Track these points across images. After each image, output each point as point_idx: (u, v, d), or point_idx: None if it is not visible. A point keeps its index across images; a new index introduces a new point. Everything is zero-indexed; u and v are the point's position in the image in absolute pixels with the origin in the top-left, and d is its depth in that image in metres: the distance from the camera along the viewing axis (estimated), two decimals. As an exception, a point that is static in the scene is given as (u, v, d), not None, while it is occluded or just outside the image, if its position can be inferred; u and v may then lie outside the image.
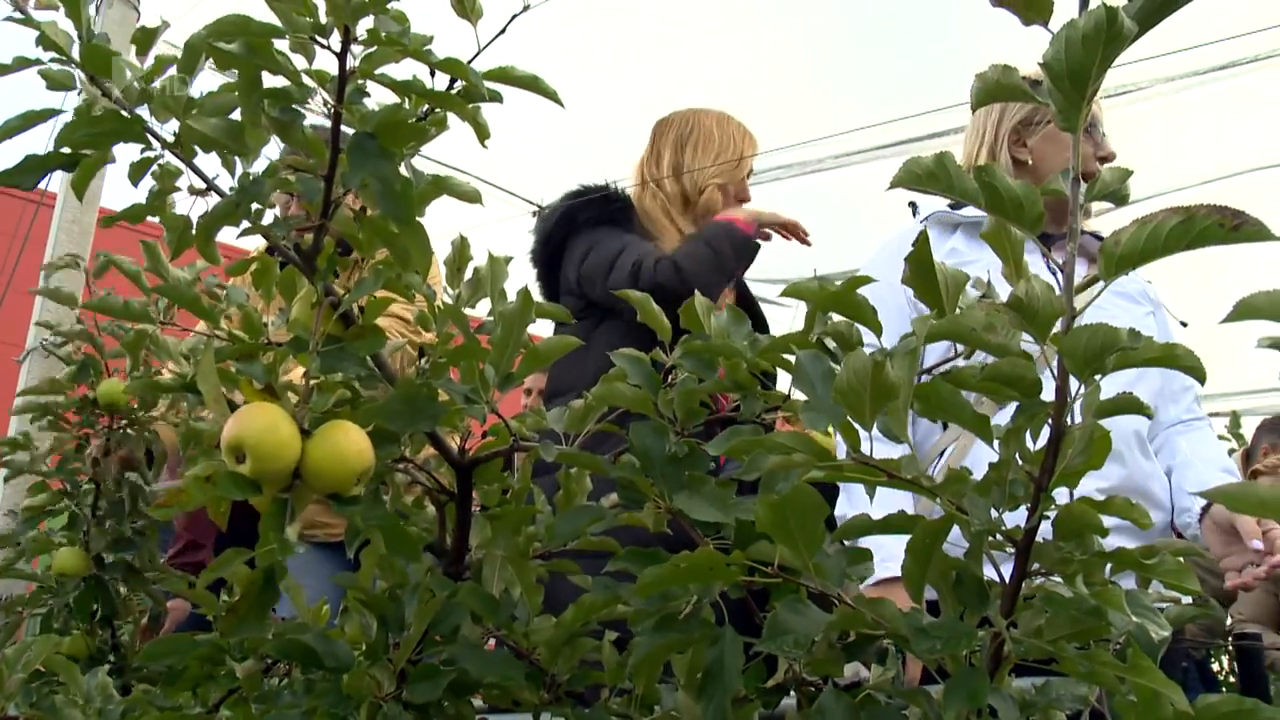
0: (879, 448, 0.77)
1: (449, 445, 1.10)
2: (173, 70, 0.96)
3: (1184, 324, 2.19)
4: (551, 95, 1.02)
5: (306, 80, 0.90)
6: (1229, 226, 0.71)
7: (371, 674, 0.98)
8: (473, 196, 1.04)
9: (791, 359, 0.97)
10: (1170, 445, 2.10)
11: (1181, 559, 0.80)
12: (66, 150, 0.93)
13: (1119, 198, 0.82)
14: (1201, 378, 0.81)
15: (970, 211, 2.10)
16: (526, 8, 0.98)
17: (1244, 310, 0.65)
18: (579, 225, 2.47)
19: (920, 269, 0.85)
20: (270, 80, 0.89)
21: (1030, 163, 2.15)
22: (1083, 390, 0.75)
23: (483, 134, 1.02)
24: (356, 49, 0.88)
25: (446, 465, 1.15)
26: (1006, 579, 0.82)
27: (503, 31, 0.98)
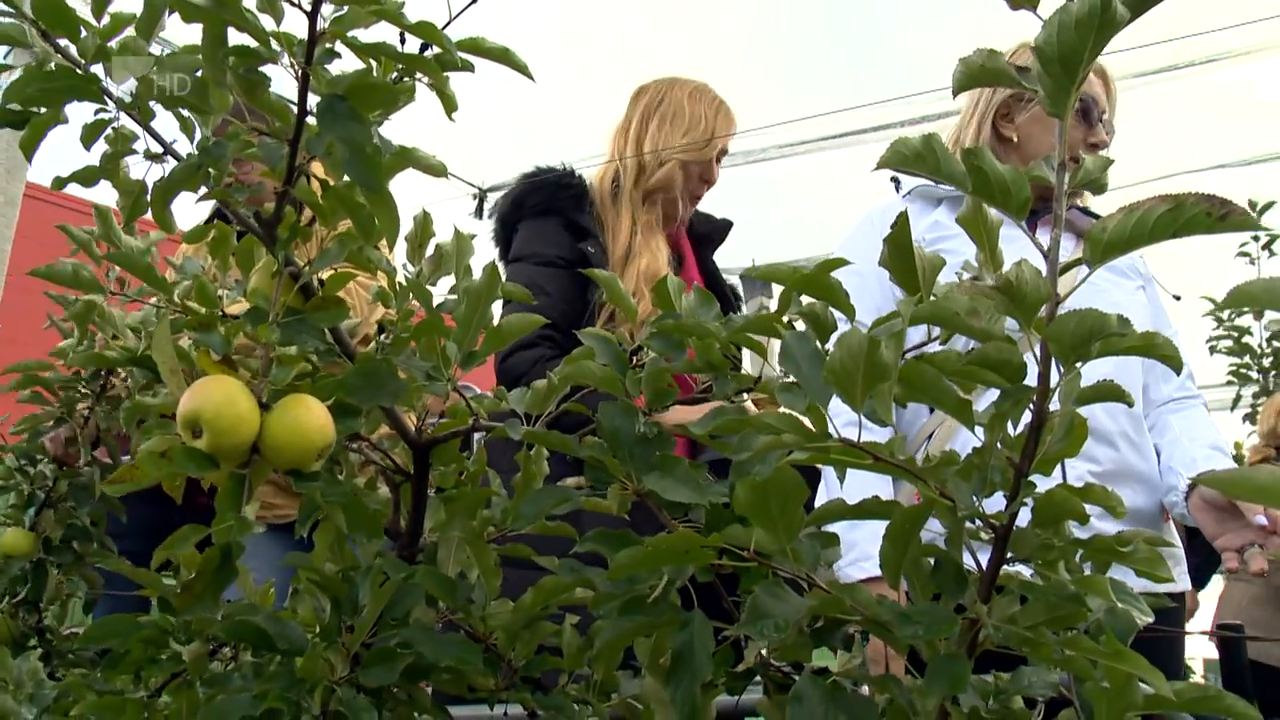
0: (853, 430, 0.75)
1: (406, 424, 1.06)
2: (130, 30, 0.91)
3: (1177, 297, 2.16)
4: (522, 68, 0.98)
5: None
6: (1216, 215, 0.70)
7: (326, 657, 0.94)
8: (439, 170, 1.00)
9: (762, 340, 0.95)
10: (1162, 423, 2.05)
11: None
12: (16, 108, 0.88)
13: (1098, 186, 0.81)
14: (1178, 367, 0.80)
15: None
16: None
17: (1239, 298, 0.64)
18: (524, 211, 2.40)
19: (898, 251, 0.83)
20: (235, 38, 0.85)
21: (1016, 140, 2.11)
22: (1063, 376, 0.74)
23: (450, 106, 0.98)
24: (326, 9, 0.83)
25: (402, 445, 1.11)
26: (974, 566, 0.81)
27: (474, 1, 0.94)
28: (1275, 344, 5.59)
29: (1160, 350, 0.76)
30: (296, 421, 0.87)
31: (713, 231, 2.59)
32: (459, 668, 0.99)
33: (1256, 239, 5.60)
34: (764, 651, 0.89)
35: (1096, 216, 1.95)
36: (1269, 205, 5.28)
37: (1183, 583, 1.94)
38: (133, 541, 2.21)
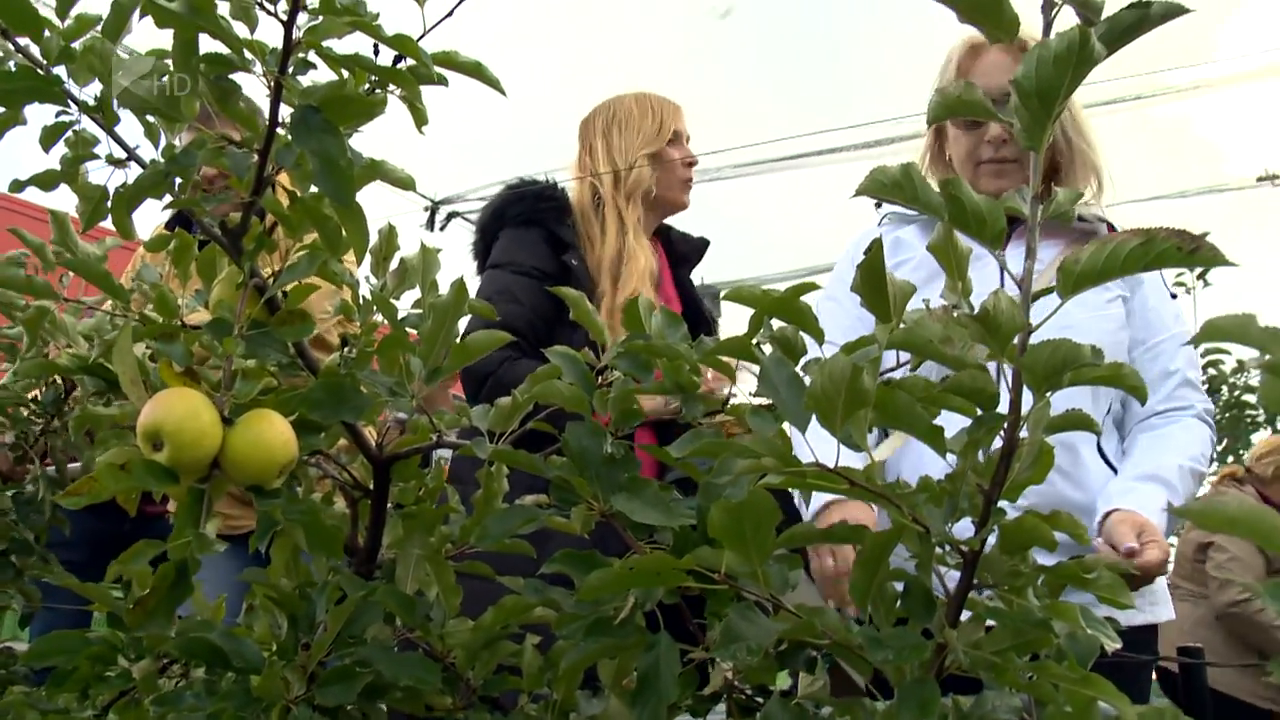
0: (824, 453, 0.75)
1: (367, 439, 1.04)
2: (96, 31, 0.89)
3: (1174, 295, 2.04)
4: (494, 83, 0.98)
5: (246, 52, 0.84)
6: (1186, 249, 0.72)
7: (282, 675, 0.91)
8: (407, 183, 0.99)
9: (730, 362, 0.94)
10: (1131, 441, 1.89)
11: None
12: None
13: (1066, 217, 0.82)
14: (1142, 398, 0.81)
15: None
16: None
17: (1210, 333, 0.64)
18: (506, 221, 2.41)
19: (871, 277, 0.83)
20: (206, 44, 0.83)
21: (948, 156, 2.06)
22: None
23: (421, 119, 0.97)
24: (301, 19, 0.82)
25: (362, 459, 1.09)
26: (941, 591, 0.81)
27: (450, 14, 0.93)
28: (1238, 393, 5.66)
29: (1126, 381, 0.77)
30: (260, 437, 0.85)
31: (690, 251, 2.60)
32: (417, 687, 0.97)
33: (1192, 270, 5.73)
34: (729, 675, 0.89)
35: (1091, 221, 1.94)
36: (1204, 235, 5.39)
37: (1153, 615, 1.84)
38: (78, 552, 2.14)
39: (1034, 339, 1.86)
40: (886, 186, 0.76)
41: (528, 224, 2.37)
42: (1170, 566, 1.73)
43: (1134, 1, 0.76)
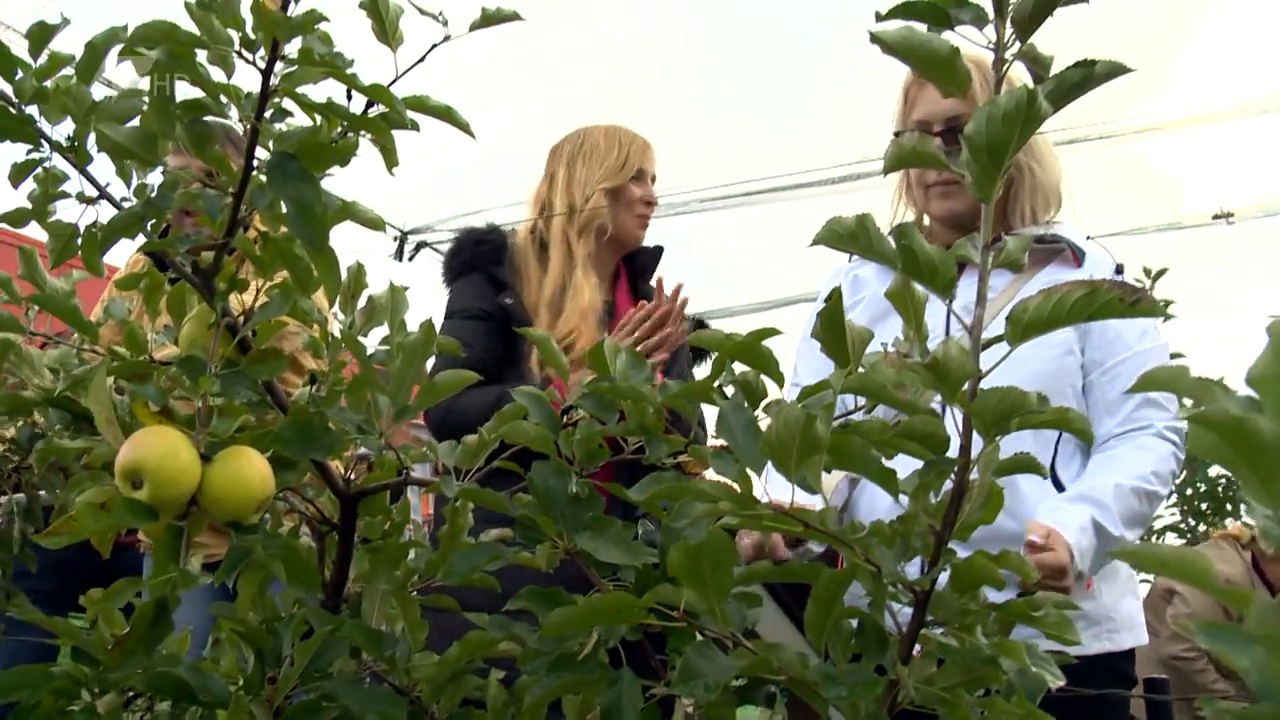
0: (780, 494, 0.77)
1: (334, 475, 1.05)
2: (69, 69, 0.90)
3: (1168, 316, 1.98)
4: (464, 126, 1.00)
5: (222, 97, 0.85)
6: (1128, 301, 0.74)
7: (249, 709, 0.92)
8: (377, 224, 1.00)
9: (692, 405, 0.96)
10: (1088, 464, 1.84)
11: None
12: None
13: (1016, 265, 0.84)
14: (1087, 440, 0.84)
15: None
16: (447, 38, 0.95)
17: (1145, 383, 0.67)
18: (452, 273, 2.45)
19: (830, 323, 0.85)
20: (183, 91, 0.85)
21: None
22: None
23: (392, 161, 0.99)
24: (279, 66, 0.83)
25: (329, 494, 1.10)
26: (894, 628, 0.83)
27: (421, 60, 0.95)
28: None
29: (1073, 425, 0.80)
30: (238, 474, 0.86)
31: (647, 260, 2.61)
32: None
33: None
34: (690, 710, 0.90)
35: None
36: (1162, 272, 5.50)
37: (1111, 642, 1.83)
38: (47, 581, 2.12)
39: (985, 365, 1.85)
40: (843, 237, 0.78)
41: (469, 270, 2.42)
42: (1073, 579, 1.63)
43: (1079, 61, 0.79)
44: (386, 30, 0.91)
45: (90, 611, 0.89)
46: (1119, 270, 2.00)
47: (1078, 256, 1.95)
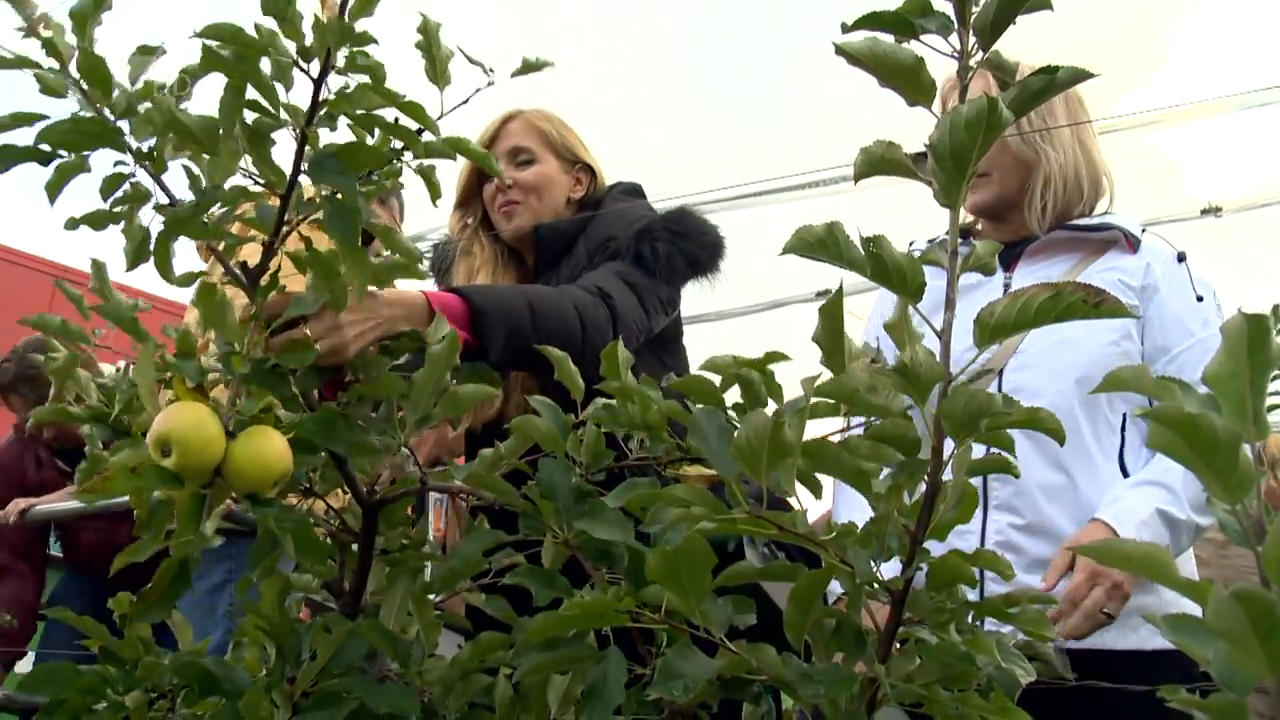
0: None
1: (358, 483, 1.06)
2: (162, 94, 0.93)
3: (1200, 298, 1.85)
4: (495, 173, 1.02)
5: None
6: (1091, 303, 0.72)
7: (270, 698, 0.93)
8: (413, 255, 1.03)
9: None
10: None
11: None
12: (45, 147, 0.91)
13: (988, 270, 0.82)
14: (1060, 439, 0.81)
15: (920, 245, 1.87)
16: (491, 84, 0.97)
17: (1110, 383, 0.65)
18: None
19: (829, 323, 0.82)
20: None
21: None
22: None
23: (435, 193, 1.01)
24: (335, 82, 0.87)
25: (351, 504, 1.10)
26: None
27: (465, 101, 0.97)
28: None
29: (1043, 425, 0.78)
30: (259, 449, 0.90)
31: (555, 239, 2.14)
32: (397, 714, 0.98)
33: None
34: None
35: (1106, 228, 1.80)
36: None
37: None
38: (79, 604, 2.18)
39: (1034, 348, 1.80)
40: (812, 245, 0.77)
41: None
42: (1121, 578, 1.49)
43: (1042, 67, 0.77)
44: (437, 70, 0.94)
45: (117, 564, 0.92)
46: (1181, 258, 1.87)
47: (1132, 244, 1.83)
